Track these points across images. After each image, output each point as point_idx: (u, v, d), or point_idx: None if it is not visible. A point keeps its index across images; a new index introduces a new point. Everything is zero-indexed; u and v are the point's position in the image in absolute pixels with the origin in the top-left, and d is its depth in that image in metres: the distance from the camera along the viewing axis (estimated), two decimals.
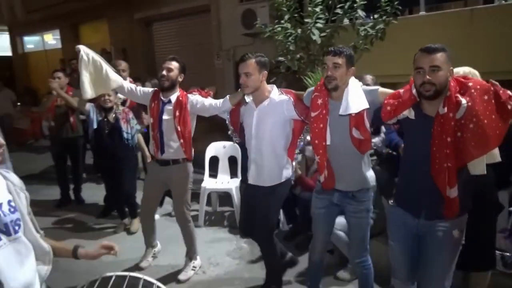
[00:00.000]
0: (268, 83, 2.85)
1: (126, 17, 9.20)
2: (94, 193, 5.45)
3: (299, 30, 4.24)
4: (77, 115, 4.95)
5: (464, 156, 1.92)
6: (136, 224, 4.33)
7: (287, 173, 2.82)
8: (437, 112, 1.94)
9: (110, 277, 1.55)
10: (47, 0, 10.44)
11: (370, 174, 2.49)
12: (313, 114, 2.44)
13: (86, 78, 2.93)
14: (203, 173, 4.73)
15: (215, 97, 3.31)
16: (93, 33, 10.89)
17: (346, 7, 4.13)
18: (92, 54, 2.98)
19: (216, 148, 4.80)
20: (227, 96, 2.98)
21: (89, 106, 4.07)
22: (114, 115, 4.05)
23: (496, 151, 1.99)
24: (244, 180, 3.03)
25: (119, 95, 4.03)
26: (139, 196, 3.92)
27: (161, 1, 8.23)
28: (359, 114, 2.28)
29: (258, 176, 2.81)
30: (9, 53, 14.45)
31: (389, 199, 2.42)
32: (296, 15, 4.31)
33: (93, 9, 9.58)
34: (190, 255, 3.47)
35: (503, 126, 1.86)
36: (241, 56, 2.72)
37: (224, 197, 4.83)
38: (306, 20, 4.20)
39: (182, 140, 3.14)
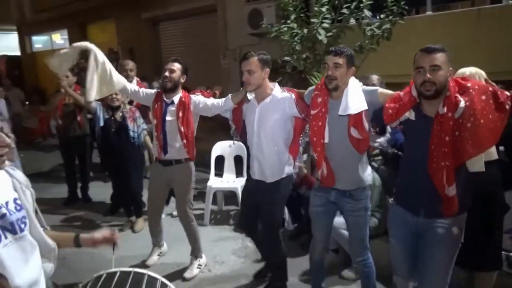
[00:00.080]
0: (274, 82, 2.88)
1: (133, 17, 9.27)
2: (101, 191, 5.50)
3: (305, 30, 4.24)
4: (85, 113, 5.01)
5: (462, 155, 1.95)
6: (140, 223, 4.38)
7: (289, 169, 2.85)
8: (437, 112, 1.97)
9: (115, 272, 1.56)
10: (55, 0, 10.54)
11: (368, 173, 2.52)
12: (312, 112, 2.47)
13: (95, 78, 2.93)
14: (209, 172, 4.76)
15: (221, 96, 3.33)
16: (100, 32, 10.97)
17: (352, 7, 4.13)
18: (101, 54, 3.00)
19: (222, 148, 4.82)
20: (229, 95, 3.01)
21: (95, 104, 4.11)
22: (121, 114, 4.09)
23: (493, 149, 2.02)
24: (248, 179, 3.05)
25: None
26: (145, 195, 3.95)
27: (168, 1, 8.28)
28: (358, 114, 2.31)
29: (260, 172, 2.85)
30: (17, 52, 14.58)
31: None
32: (302, 15, 4.32)
33: (100, 9, 9.66)
34: (195, 253, 3.50)
35: (500, 126, 1.89)
36: (243, 54, 2.75)
37: (230, 196, 4.86)
38: (312, 20, 4.20)
39: (185, 141, 3.17)
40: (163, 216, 4.30)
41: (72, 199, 5.28)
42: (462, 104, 1.90)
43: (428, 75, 1.92)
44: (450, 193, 1.98)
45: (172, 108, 3.18)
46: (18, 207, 1.51)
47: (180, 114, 3.14)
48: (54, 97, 5.08)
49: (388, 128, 3.32)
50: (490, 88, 1.91)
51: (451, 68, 1.96)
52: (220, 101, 3.05)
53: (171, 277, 3.36)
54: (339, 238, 3.08)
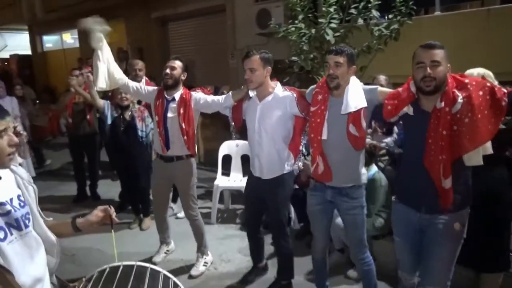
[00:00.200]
0: (281, 82, 2.90)
1: (143, 17, 9.33)
2: (109, 189, 5.57)
3: (313, 30, 4.24)
4: (94, 112, 5.07)
5: (459, 149, 1.98)
6: (147, 222, 4.44)
7: (290, 165, 2.90)
8: (434, 106, 2.01)
9: (118, 266, 1.57)
10: (66, 0, 10.65)
11: (363, 172, 2.56)
12: (312, 109, 2.51)
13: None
14: (216, 171, 4.79)
15: None
16: (110, 32, 11.03)
17: (360, 7, 4.12)
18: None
19: (229, 147, 4.85)
20: (230, 92, 3.06)
21: (104, 103, 4.17)
22: (130, 113, 4.14)
23: (488, 144, 2.03)
24: (249, 176, 3.09)
25: None
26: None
27: (177, 1, 8.32)
28: (357, 112, 2.34)
29: (261, 169, 2.89)
30: (29, 52, 14.75)
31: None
32: (310, 15, 4.32)
33: (110, 9, 9.72)
34: (201, 250, 3.53)
35: (496, 122, 1.92)
36: (246, 53, 2.79)
37: (237, 195, 4.88)
38: (320, 20, 4.20)
39: (185, 137, 3.21)
40: (169, 215, 4.35)
41: (81, 197, 5.35)
42: (460, 99, 1.94)
43: (429, 70, 1.95)
44: (446, 186, 2.01)
45: (173, 105, 3.23)
46: (22, 204, 1.52)
47: (181, 111, 3.19)
48: (64, 96, 5.15)
49: (395, 129, 3.32)
50: (488, 84, 1.94)
51: (449, 65, 2.00)
52: (221, 98, 3.10)
53: (178, 274, 3.40)
54: (332, 228, 3.09)
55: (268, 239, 3.64)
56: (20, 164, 4.65)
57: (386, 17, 4.23)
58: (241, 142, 4.73)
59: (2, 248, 1.39)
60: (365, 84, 2.55)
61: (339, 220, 2.78)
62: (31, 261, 1.50)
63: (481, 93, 1.92)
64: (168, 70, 3.20)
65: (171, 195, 3.68)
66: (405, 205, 2.23)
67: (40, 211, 1.62)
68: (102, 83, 3.06)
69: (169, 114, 3.22)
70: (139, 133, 4.14)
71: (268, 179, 2.88)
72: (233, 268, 3.57)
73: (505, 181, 2.51)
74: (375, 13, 4.12)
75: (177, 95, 3.23)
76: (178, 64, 3.24)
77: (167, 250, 3.78)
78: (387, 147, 3.44)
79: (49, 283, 1.60)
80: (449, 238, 2.10)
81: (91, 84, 3.76)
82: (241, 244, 3.95)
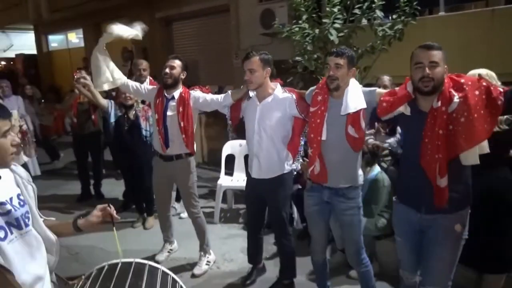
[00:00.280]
0: (285, 82, 2.91)
1: (147, 17, 9.34)
2: (113, 188, 5.60)
3: (316, 30, 4.25)
4: (99, 112, 5.09)
5: (455, 148, 1.98)
6: (151, 221, 4.46)
7: (289, 165, 2.91)
8: (431, 106, 2.01)
9: (117, 264, 1.58)
10: (71, 0, 10.71)
11: (360, 173, 2.57)
12: (312, 110, 2.52)
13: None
14: (219, 171, 4.81)
15: None
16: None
17: (364, 7, 4.12)
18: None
19: (233, 147, 4.86)
20: (229, 91, 3.09)
21: (107, 102, 4.19)
22: (134, 112, 4.16)
23: (485, 143, 2.03)
24: (248, 175, 3.11)
25: None
26: None
27: (181, 1, 8.34)
28: (356, 113, 2.35)
29: (260, 170, 2.90)
30: (34, 51, 14.83)
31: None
32: (314, 15, 4.32)
33: (115, 9, 9.77)
34: (204, 248, 3.55)
35: (492, 121, 1.93)
36: (246, 54, 2.81)
37: (240, 194, 4.90)
38: (324, 20, 4.20)
39: (184, 135, 3.24)
40: (178, 211, 4.37)
41: (85, 195, 5.38)
42: (456, 99, 1.94)
43: (427, 71, 1.96)
44: (441, 184, 2.01)
45: (172, 103, 3.25)
46: (22, 203, 1.52)
47: (181, 109, 3.21)
48: (69, 96, 5.18)
49: (398, 129, 3.32)
50: (484, 83, 1.94)
51: (446, 66, 2.01)
52: (220, 96, 3.12)
53: (181, 272, 3.42)
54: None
55: (270, 238, 3.66)
56: (25, 163, 4.69)
57: (390, 17, 4.23)
58: (244, 141, 4.73)
59: (3, 248, 1.40)
60: (369, 84, 2.56)
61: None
62: (31, 260, 1.51)
63: (477, 92, 1.93)
64: (167, 70, 3.23)
65: (174, 194, 3.70)
66: (406, 206, 2.24)
67: (38, 210, 1.63)
68: (102, 84, 3.08)
69: (169, 113, 3.25)
70: (143, 132, 4.16)
71: (268, 178, 2.89)
72: (235, 268, 3.58)
73: (510, 181, 2.51)
74: (379, 13, 4.11)
75: (176, 94, 3.25)
76: (177, 63, 3.26)
77: (170, 249, 3.80)
78: (390, 148, 3.45)
79: (49, 281, 1.61)
80: (450, 239, 2.10)
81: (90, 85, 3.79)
82: (243, 244, 3.93)
